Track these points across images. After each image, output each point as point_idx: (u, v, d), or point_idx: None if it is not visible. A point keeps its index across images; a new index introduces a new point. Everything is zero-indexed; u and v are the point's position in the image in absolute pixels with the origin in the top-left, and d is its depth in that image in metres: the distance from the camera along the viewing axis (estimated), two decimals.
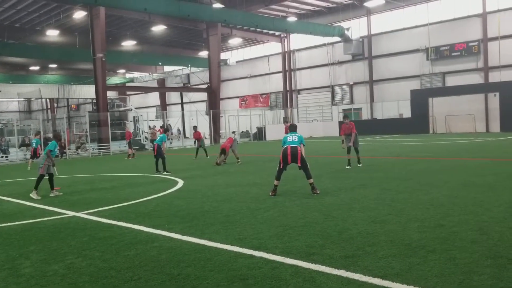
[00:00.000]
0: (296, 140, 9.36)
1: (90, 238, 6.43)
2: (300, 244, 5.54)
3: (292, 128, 9.95)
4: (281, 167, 9.38)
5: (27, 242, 6.35)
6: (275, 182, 9.37)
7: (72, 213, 8.35)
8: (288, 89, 44.27)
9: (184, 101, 50.31)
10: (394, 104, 35.56)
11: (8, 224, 7.67)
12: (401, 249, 5.13)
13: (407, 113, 34.19)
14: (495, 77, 31.43)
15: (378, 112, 37.64)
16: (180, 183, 11.96)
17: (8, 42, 36.83)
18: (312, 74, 42.46)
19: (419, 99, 32.72)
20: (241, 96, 48.08)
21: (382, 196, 8.59)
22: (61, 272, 4.95)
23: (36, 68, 50.30)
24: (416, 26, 35.20)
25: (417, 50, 34.95)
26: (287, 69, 44.18)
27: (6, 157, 27.39)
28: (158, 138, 16.05)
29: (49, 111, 63.20)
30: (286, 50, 44.14)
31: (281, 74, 44.67)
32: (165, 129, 18.07)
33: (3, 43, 36.40)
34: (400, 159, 15.95)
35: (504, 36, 30.89)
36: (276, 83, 45.27)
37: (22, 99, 60.80)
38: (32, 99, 61.39)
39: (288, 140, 9.45)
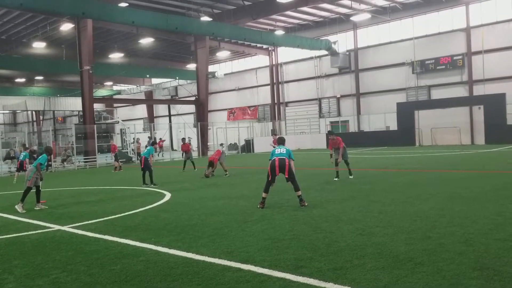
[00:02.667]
0: (284, 152, 9.43)
1: (76, 252, 6.33)
2: (288, 257, 5.52)
3: (280, 141, 10.04)
4: (269, 179, 9.39)
5: (11, 257, 6.22)
6: (263, 195, 9.36)
7: (57, 227, 8.22)
8: (276, 102, 44.49)
9: (171, 113, 50.17)
10: (381, 116, 35.92)
11: None
12: (389, 261, 5.14)
13: (393, 126, 34.54)
14: (479, 90, 31.99)
15: (365, 125, 37.97)
16: (168, 195, 11.87)
17: None
18: (299, 87, 42.76)
19: (405, 112, 33.12)
20: (229, 109, 48.16)
21: (369, 208, 8.63)
22: (45, 287, 4.86)
23: (22, 80, 49.83)
24: (402, 40, 35.78)
25: (402, 64, 35.47)
26: (274, 81, 44.45)
27: None
28: (146, 150, 15.86)
29: (34, 123, 62.47)
30: (273, 63, 44.47)
31: (269, 87, 44.92)
32: (153, 142, 17.80)
33: None
34: (387, 171, 16.07)
35: (487, 50, 31.54)
36: (264, 96, 45.48)
37: (7, 112, 60.06)
38: (18, 111, 60.69)
39: (276, 152, 9.52)
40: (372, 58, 37.58)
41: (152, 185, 14.46)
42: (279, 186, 12.08)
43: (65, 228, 8.13)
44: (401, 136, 33.02)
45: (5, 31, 33.84)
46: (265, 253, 5.73)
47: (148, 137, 38.45)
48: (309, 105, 41.98)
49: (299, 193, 9.25)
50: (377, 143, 33.81)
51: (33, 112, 60.22)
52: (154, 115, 54.17)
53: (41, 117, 61.66)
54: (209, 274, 5.01)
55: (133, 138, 33.19)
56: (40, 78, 49.36)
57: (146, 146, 20.67)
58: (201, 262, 5.50)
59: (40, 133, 47.86)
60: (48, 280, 5.12)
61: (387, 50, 36.68)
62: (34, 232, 7.96)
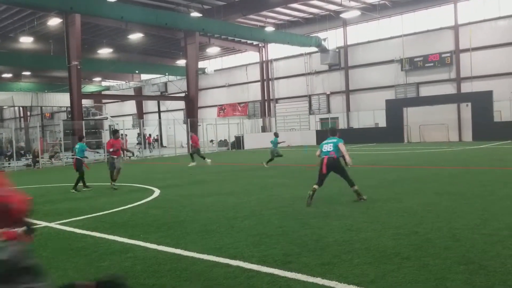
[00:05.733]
0: (331, 148, 8.97)
1: (63, 249, 6.28)
2: (277, 252, 5.54)
3: (332, 133, 9.47)
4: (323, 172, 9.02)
5: None
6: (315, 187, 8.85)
7: (44, 223, 8.15)
8: (266, 98, 44.50)
9: (161, 109, 49.93)
10: (370, 113, 36.13)
11: None
12: (376, 256, 5.18)
13: (382, 123, 34.77)
14: (467, 87, 32.33)
15: (354, 122, 38.16)
16: (157, 192, 11.82)
17: None
18: (289, 84, 42.82)
19: (394, 109, 33.34)
20: (219, 105, 48.08)
21: (357, 204, 8.68)
22: None
23: (9, 75, 49.13)
24: (391, 38, 35.98)
25: (392, 61, 35.68)
26: (265, 78, 44.44)
27: None
28: (76, 149, 13.40)
29: (22, 119, 61.73)
30: (264, 59, 44.44)
31: (259, 83, 44.89)
32: (80, 137, 14.10)
33: None
34: (375, 167, 16.18)
35: (475, 48, 31.87)
36: (254, 92, 45.46)
37: None
38: (4, 107, 59.91)
39: (324, 150, 9.07)
40: (361, 55, 37.74)
41: (84, 189, 12.76)
42: (267, 183, 12.11)
43: (53, 224, 8.06)
44: (390, 133, 33.25)
45: None
46: (253, 249, 5.74)
47: (138, 133, 38.27)
48: (299, 101, 42.06)
49: (355, 187, 8.97)
50: (366, 140, 34.00)
51: (20, 108, 59.52)
52: (144, 111, 53.87)
53: (28, 113, 60.96)
54: (198, 270, 5.01)
55: (122, 134, 32.95)
56: (28, 73, 48.70)
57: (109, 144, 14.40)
58: (190, 258, 5.49)
59: (28, 129, 47.34)
60: None
61: (376, 47, 36.86)
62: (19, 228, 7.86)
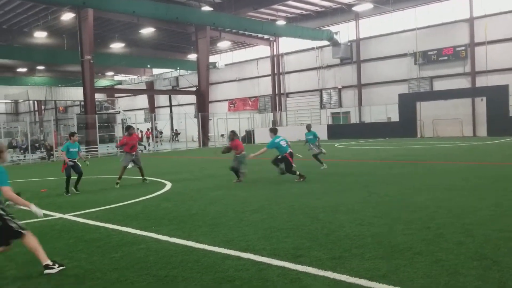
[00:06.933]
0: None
1: (77, 240, 6.38)
2: (287, 246, 5.55)
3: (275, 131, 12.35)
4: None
5: (13, 244, 6.25)
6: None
7: (59, 215, 8.26)
8: (276, 93, 44.40)
9: (172, 103, 50.15)
10: (382, 108, 35.86)
11: None
12: (388, 251, 5.17)
13: (395, 117, 34.49)
14: (482, 81, 31.88)
15: (366, 116, 37.92)
16: (168, 185, 11.91)
17: None
18: (300, 78, 42.64)
19: (407, 103, 33.03)
20: (230, 99, 48.09)
21: (368, 199, 8.65)
22: (46, 274, 4.90)
23: (24, 70, 49.69)
24: (404, 31, 35.58)
25: (405, 55, 35.30)
26: (275, 72, 44.32)
27: None
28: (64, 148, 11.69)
29: (36, 113, 62.50)
30: (274, 53, 44.30)
31: (270, 78, 44.79)
32: (71, 133, 11.84)
33: None
34: (387, 162, 16.08)
35: (490, 41, 31.38)
36: (265, 86, 45.38)
37: (9, 101, 60.03)
38: (19, 101, 60.66)
39: (284, 145, 11.95)
40: (374, 48, 37.41)
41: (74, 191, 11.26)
42: (275, 179, 12.13)
43: (67, 216, 8.17)
44: (402, 128, 32.98)
45: (6, 21, 33.70)
46: (264, 242, 5.76)
47: (149, 128, 38.49)
48: (310, 96, 41.89)
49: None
50: (378, 135, 33.79)
51: (35, 102, 60.23)
52: (155, 106, 54.13)
53: (42, 107, 61.68)
54: (209, 262, 5.04)
55: (137, 129, 33.19)
56: (42, 68, 49.23)
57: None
58: (201, 251, 5.53)
59: (42, 122, 47.93)
60: None
61: (389, 40, 36.50)
62: (36, 220, 7.99)
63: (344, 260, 4.89)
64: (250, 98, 46.70)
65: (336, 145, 27.09)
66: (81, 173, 11.31)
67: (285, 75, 43.97)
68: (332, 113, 40.14)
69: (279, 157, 11.90)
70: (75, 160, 11.31)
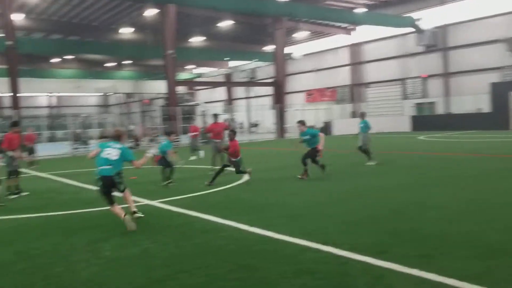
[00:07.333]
0: None
1: (163, 225, 6.72)
2: (369, 241, 5.40)
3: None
4: None
5: (107, 227, 6.75)
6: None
7: (146, 201, 8.74)
8: (355, 83, 43.22)
9: (249, 95, 50.86)
10: (471, 98, 33.47)
11: (90, 210, 8.19)
12: (480, 250, 4.83)
13: (485, 108, 32.08)
14: None
15: (454, 106, 35.64)
16: (247, 175, 12.07)
17: (86, 41, 39.37)
18: (381, 67, 41.05)
19: (500, 93, 30.48)
20: (307, 90, 47.68)
21: (457, 195, 8.14)
22: (137, 256, 5.23)
23: (112, 64, 53.13)
24: (496, 15, 32.79)
25: (496, 41, 32.56)
26: (354, 62, 43.12)
27: (87, 148, 29.26)
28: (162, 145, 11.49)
29: (124, 105, 66.61)
30: (353, 42, 43.06)
31: (348, 67, 43.68)
32: (169, 132, 12.64)
33: (81, 42, 39.00)
34: (479, 156, 15.00)
35: None
36: (343, 77, 44.34)
37: (100, 94, 64.51)
38: (109, 94, 64.97)
39: None
40: (462, 35, 34.93)
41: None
42: (357, 170, 11.85)
43: (154, 203, 8.63)
44: (493, 119, 30.53)
45: (96, 18, 36.13)
46: (345, 236, 5.65)
47: (226, 119, 39.35)
48: (391, 86, 40.20)
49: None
50: (466, 126, 31.61)
51: (123, 95, 64.22)
52: (233, 97, 55.27)
53: (129, 100, 65.63)
54: (288, 253, 5.05)
55: (225, 119, 33.48)
56: (128, 62, 52.30)
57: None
58: (280, 241, 5.56)
59: (129, 114, 51.07)
60: (139, 249, 5.50)
61: (478, 26, 33.85)
62: (125, 205, 8.53)
63: (431, 258, 4.64)
64: (327, 88, 45.96)
65: (420, 137, 25.79)
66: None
67: (364, 65, 42.62)
68: (417, 104, 38.22)
69: (310, 151, 10.87)
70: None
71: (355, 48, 42.99)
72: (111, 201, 6.63)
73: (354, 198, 8.21)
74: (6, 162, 10.22)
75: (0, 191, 9.73)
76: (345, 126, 34.90)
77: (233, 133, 11.18)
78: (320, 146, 10.80)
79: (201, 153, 17.78)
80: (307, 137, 10.87)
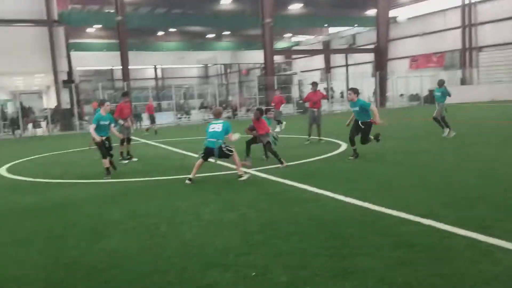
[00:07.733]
0: None
1: (259, 193, 6.92)
2: (474, 215, 5.05)
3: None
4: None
5: (207, 192, 7.15)
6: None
7: (243, 170, 9.02)
8: (467, 47, 39.53)
9: (349, 63, 49.23)
10: None
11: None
12: None
13: None
14: None
15: None
16: (343, 146, 11.88)
17: (188, 13, 40.90)
18: (497, 29, 36.92)
19: None
20: (411, 56, 44.80)
21: None
22: (234, 220, 5.48)
23: (212, 36, 54.76)
24: None
25: None
26: (466, 24, 39.30)
27: (189, 118, 30.97)
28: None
29: (223, 76, 68.71)
30: (465, 2, 39.17)
31: (458, 30, 39.97)
32: (100, 102, 10.08)
33: (184, 14, 40.64)
34: None
35: None
36: (452, 41, 40.74)
37: (200, 65, 67.21)
38: (209, 65, 67.37)
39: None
40: None
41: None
42: (463, 141, 11.05)
43: (250, 170, 8.89)
44: None
45: None
46: (447, 210, 5.34)
47: (324, 88, 38.73)
48: (509, 49, 36.15)
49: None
50: None
51: (222, 66, 66.18)
52: (331, 66, 53.99)
53: (228, 70, 67.49)
54: (386, 225, 4.92)
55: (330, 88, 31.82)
56: (227, 33, 53.47)
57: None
58: (377, 213, 5.43)
59: (228, 85, 52.67)
60: (237, 214, 5.75)
61: None
62: (223, 173, 8.93)
63: None
64: (434, 54, 42.72)
65: None
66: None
67: (477, 27, 38.71)
68: None
69: (366, 124, 9.51)
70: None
71: (467, 8, 39.12)
72: (202, 163, 8.14)
73: (462, 170, 7.68)
74: (118, 130, 11.15)
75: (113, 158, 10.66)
76: (454, 94, 32.32)
77: (259, 111, 9.85)
78: (377, 120, 9.43)
79: (282, 125, 16.71)
80: (356, 108, 9.53)
